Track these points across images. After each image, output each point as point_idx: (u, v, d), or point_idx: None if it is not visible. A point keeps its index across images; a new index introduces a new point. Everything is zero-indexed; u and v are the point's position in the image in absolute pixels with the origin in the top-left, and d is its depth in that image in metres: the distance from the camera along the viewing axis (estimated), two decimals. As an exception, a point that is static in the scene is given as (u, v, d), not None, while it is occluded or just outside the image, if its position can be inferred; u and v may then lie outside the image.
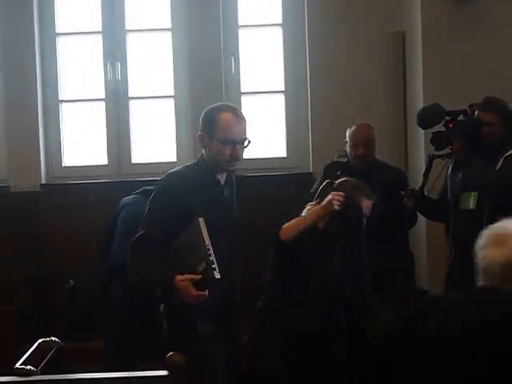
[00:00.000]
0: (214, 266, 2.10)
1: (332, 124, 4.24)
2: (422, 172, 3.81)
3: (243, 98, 4.46)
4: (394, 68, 4.40)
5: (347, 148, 3.59)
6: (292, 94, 4.49)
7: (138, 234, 2.25)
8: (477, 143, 3.19)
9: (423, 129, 3.32)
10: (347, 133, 3.59)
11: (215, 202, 2.34)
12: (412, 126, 4.24)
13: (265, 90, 4.56)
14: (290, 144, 4.52)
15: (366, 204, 2.66)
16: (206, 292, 2.14)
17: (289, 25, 4.42)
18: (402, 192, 3.41)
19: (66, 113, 4.44)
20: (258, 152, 4.31)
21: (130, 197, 3.62)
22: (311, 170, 4.32)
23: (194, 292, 2.13)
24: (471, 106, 3.17)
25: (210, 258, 2.11)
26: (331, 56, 4.29)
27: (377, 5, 4.35)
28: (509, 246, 1.80)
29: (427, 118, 3.23)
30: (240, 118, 2.33)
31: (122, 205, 3.58)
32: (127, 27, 4.37)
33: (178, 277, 2.15)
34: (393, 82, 4.40)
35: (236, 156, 2.31)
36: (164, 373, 2.19)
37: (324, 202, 2.42)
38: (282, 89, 4.48)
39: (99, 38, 4.34)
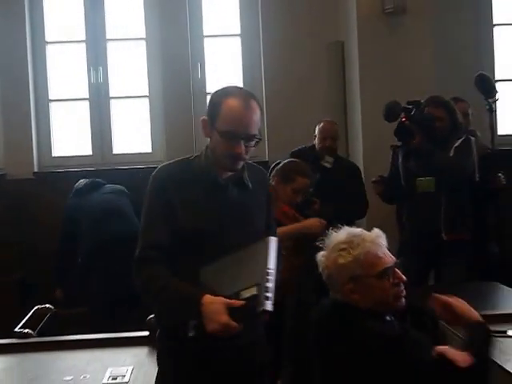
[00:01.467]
0: (268, 295, 1.61)
1: (283, 121, 4.63)
2: (361, 162, 4.41)
3: (208, 98, 4.85)
4: (335, 73, 4.76)
5: (316, 141, 3.90)
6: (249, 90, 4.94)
7: (139, 253, 1.74)
8: (434, 135, 3.41)
9: (389, 122, 3.45)
10: (316, 128, 3.91)
11: (213, 200, 1.80)
12: (350, 123, 4.70)
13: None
14: None
15: (302, 182, 3.04)
16: (241, 325, 1.60)
17: (246, 35, 4.78)
18: (373, 179, 3.69)
19: (55, 110, 4.76)
20: None
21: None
22: (267, 159, 4.68)
23: (225, 319, 1.56)
24: (412, 103, 3.40)
25: (268, 285, 1.63)
26: (281, 62, 4.67)
27: (319, 18, 4.71)
28: (362, 248, 1.79)
29: (392, 113, 3.44)
30: (250, 109, 1.74)
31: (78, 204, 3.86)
32: (107, 37, 4.74)
33: (208, 297, 1.60)
34: (334, 85, 4.75)
35: (238, 154, 1.76)
36: (145, 333, 2.31)
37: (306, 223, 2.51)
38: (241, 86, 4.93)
39: (83, 46, 4.69)
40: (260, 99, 4.57)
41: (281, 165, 3.23)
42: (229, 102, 1.72)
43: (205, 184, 1.79)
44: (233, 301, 1.58)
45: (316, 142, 3.89)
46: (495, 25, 5.01)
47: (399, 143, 3.48)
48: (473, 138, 3.57)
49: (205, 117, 1.79)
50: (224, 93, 1.77)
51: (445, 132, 3.41)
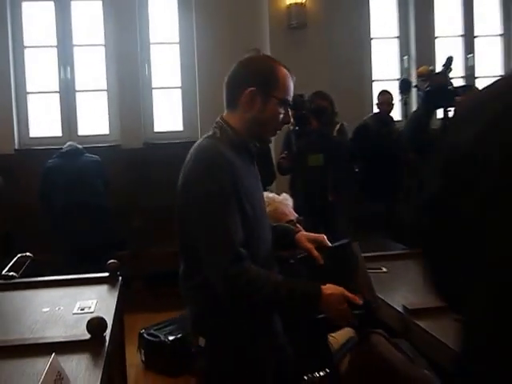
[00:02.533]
0: (377, 304, 1.59)
1: (212, 109, 4.65)
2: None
3: (154, 92, 5.60)
4: None
5: None
6: (186, 89, 5.57)
7: (230, 267, 1.46)
8: (324, 121, 3.90)
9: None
10: None
11: (255, 185, 1.68)
12: None
13: (168, 86, 5.63)
14: (185, 122, 5.62)
15: None
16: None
17: (183, 42, 5.57)
18: (282, 155, 4.02)
19: (32, 100, 5.37)
20: (164, 127, 5.58)
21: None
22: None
23: (345, 307, 1.52)
24: (301, 95, 3.78)
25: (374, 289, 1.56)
26: (212, 66, 5.25)
27: (240, 28, 5.35)
28: (272, 206, 2.07)
29: (295, 103, 3.66)
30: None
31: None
32: (74, 42, 5.44)
33: (327, 287, 1.53)
34: None
35: (289, 120, 1.70)
36: (105, 274, 2.55)
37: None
38: (180, 85, 5.61)
39: (55, 50, 5.39)
40: (194, 96, 5.62)
41: None
42: (282, 70, 1.64)
43: (248, 165, 1.65)
44: (349, 294, 1.53)
45: None
46: (373, 38, 5.99)
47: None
48: (346, 124, 4.24)
49: (252, 88, 1.61)
50: (271, 61, 1.68)
51: (328, 118, 3.99)
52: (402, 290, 1.97)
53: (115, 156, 5.29)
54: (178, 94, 5.68)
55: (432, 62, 5.75)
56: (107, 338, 1.83)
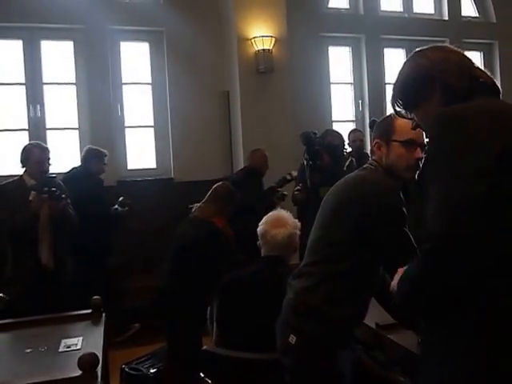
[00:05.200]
0: None
1: (184, 149, 5.53)
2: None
3: (127, 131, 5.67)
4: (223, 116, 5.73)
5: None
6: (159, 128, 5.75)
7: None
8: (335, 157, 4.07)
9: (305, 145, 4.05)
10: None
11: None
12: (234, 151, 5.61)
13: (141, 125, 5.77)
14: (158, 159, 5.77)
15: None
16: None
17: (156, 84, 5.77)
18: (298, 187, 4.23)
19: (2, 138, 5.34)
20: (138, 164, 5.68)
21: None
22: (172, 176, 5.57)
23: None
24: (315, 133, 4.07)
25: None
26: (182, 106, 5.61)
27: (210, 71, 5.69)
28: (287, 227, 2.37)
29: (309, 140, 4.01)
30: None
31: None
32: (44, 81, 5.43)
33: None
34: (223, 125, 5.73)
35: (418, 159, 1.86)
36: (88, 311, 2.58)
37: None
38: (152, 124, 5.79)
39: (23, 88, 5.39)
40: (167, 135, 5.84)
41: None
42: (398, 121, 1.85)
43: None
44: None
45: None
46: (332, 83, 6.48)
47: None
48: (353, 159, 4.49)
49: (377, 140, 1.95)
50: (388, 117, 1.95)
51: (340, 154, 4.19)
52: (372, 309, 2.07)
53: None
54: (151, 133, 5.85)
55: (382, 105, 6.31)
56: (99, 374, 1.82)
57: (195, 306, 3.27)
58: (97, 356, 1.81)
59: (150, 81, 5.82)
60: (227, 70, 5.78)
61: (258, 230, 2.51)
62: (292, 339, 1.83)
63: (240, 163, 5.55)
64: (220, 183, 3.68)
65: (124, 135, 5.70)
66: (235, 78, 5.59)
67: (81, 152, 5.38)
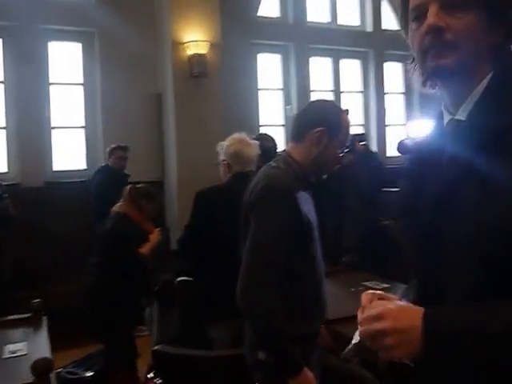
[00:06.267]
0: None
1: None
2: (176, 182, 5.42)
3: (53, 131, 5.61)
4: (155, 118, 5.78)
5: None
6: (90, 128, 5.75)
7: None
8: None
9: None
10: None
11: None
12: (167, 153, 5.61)
13: (71, 126, 5.72)
14: (88, 160, 5.79)
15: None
16: None
17: (88, 85, 5.73)
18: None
19: None
20: (67, 166, 5.65)
21: None
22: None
23: None
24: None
25: None
26: (114, 108, 5.56)
27: (143, 73, 5.67)
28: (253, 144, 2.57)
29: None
30: None
31: None
32: None
33: None
34: (154, 126, 5.77)
35: (341, 160, 1.96)
36: (28, 315, 2.60)
37: None
38: (84, 125, 5.75)
39: None
40: (99, 137, 5.83)
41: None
42: (343, 117, 1.91)
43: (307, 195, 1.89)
44: None
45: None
46: (261, 89, 6.70)
47: None
48: None
49: (322, 128, 1.85)
50: (337, 108, 1.95)
51: (272, 156, 4.11)
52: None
53: (14, 194, 5.16)
54: (81, 134, 5.80)
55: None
56: (52, 378, 1.79)
57: (125, 301, 3.35)
58: (51, 360, 1.80)
59: (81, 81, 5.79)
60: (161, 73, 5.81)
61: (227, 150, 2.68)
62: (262, 356, 1.76)
63: (173, 165, 5.59)
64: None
65: (50, 136, 5.61)
66: (169, 81, 5.62)
67: (8, 152, 5.40)
